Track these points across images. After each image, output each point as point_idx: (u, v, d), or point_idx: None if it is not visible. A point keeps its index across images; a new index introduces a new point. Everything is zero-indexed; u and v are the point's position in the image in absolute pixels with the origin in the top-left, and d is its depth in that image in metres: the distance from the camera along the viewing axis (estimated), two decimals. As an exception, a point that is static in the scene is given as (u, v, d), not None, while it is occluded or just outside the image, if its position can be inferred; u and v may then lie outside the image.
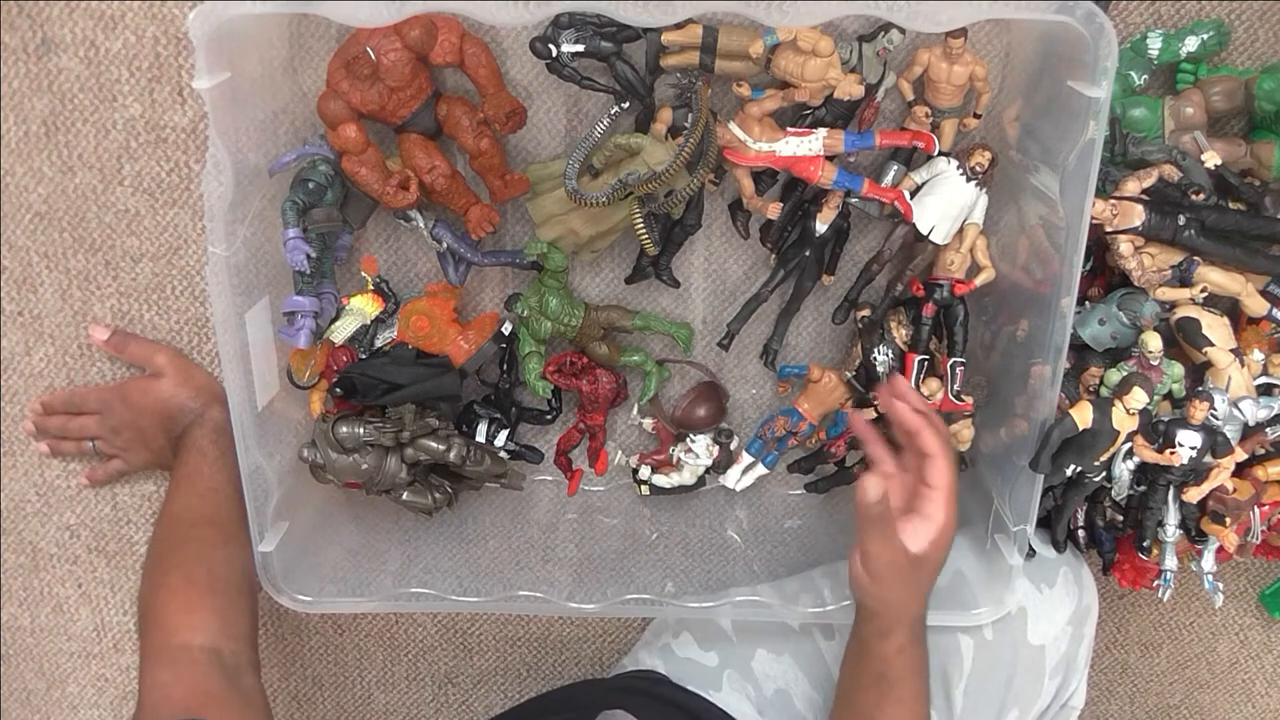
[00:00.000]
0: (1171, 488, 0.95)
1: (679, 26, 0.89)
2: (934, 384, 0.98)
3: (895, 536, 0.85)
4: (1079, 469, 0.93)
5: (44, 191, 1.02)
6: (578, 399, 1.07)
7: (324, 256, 0.98)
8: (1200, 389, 0.93)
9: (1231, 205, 0.93)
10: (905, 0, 0.77)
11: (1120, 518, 1.01)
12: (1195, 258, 0.92)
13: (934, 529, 0.85)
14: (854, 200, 0.98)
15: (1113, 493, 0.99)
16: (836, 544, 1.06)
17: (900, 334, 1.01)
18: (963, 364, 0.98)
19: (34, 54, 0.97)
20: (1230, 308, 0.96)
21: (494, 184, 0.95)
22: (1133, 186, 0.91)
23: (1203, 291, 0.92)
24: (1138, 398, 0.88)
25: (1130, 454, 0.94)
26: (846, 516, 1.10)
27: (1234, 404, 0.92)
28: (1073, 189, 0.82)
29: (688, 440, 1.08)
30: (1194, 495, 0.94)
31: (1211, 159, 0.92)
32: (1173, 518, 0.97)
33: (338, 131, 0.89)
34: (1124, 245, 0.90)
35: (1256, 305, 0.94)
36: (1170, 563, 0.99)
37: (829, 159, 0.93)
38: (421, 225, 0.98)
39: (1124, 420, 0.90)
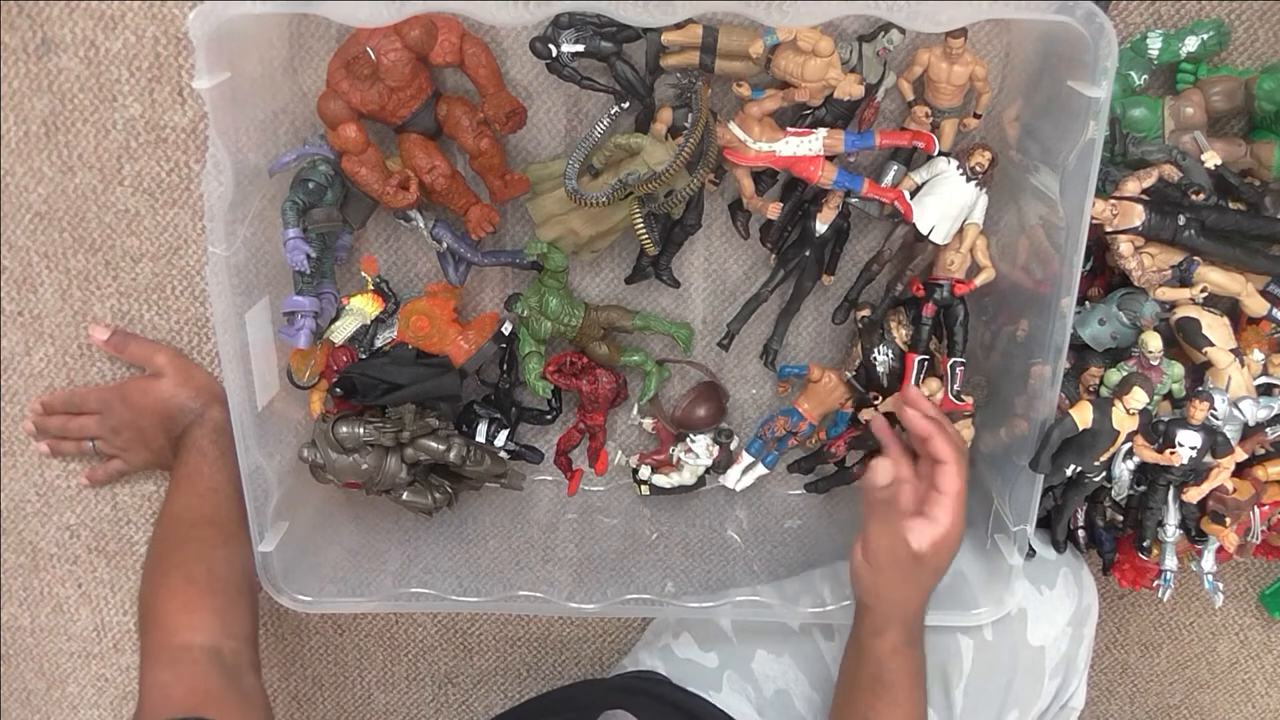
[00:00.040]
0: (1171, 488, 0.95)
1: (679, 26, 0.89)
2: (934, 384, 0.98)
3: (899, 527, 0.86)
4: (1079, 469, 0.93)
5: (44, 191, 1.02)
6: (578, 399, 1.07)
7: (324, 256, 0.98)
8: (1200, 389, 0.92)
9: (1231, 205, 0.93)
10: (905, 0, 0.77)
11: (1120, 518, 1.01)
12: (1195, 258, 0.92)
13: (939, 531, 0.85)
14: (854, 200, 0.98)
15: (1113, 493, 0.99)
16: (836, 544, 1.06)
17: (900, 334, 1.01)
18: (963, 364, 0.98)
19: (34, 54, 0.97)
20: (1230, 308, 0.96)
21: (494, 184, 0.95)
22: (1133, 186, 0.91)
23: (1203, 291, 0.92)
24: (1138, 398, 0.88)
25: (1130, 454, 0.94)
26: (846, 516, 1.10)
27: (1234, 404, 0.92)
28: (1073, 189, 0.82)
29: (688, 440, 1.08)
30: (1194, 495, 0.94)
31: (1211, 159, 0.92)
32: (1173, 518, 0.97)
33: (338, 131, 0.89)
34: (1124, 245, 0.90)
35: (1256, 305, 0.94)
36: (1170, 563, 0.99)
37: (829, 159, 0.93)
38: (421, 225, 0.98)
39: (1124, 420, 0.90)
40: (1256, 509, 0.97)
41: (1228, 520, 0.97)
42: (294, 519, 0.98)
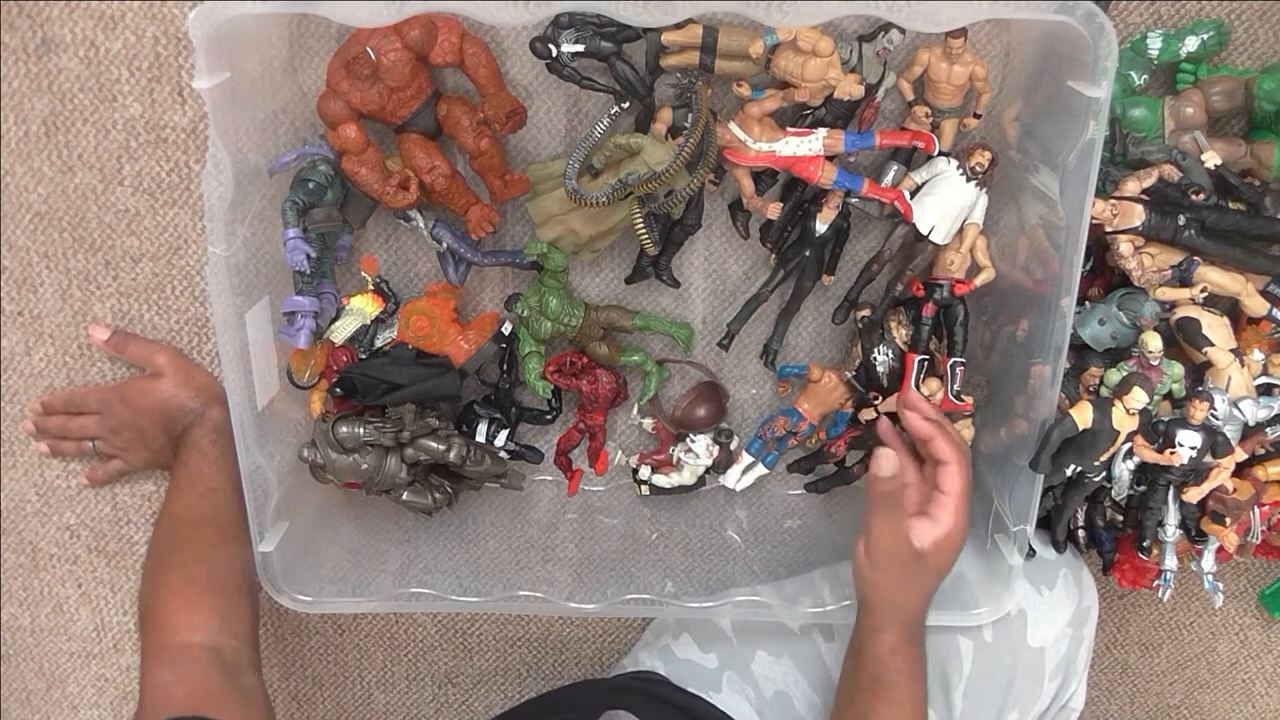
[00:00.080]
0: (1171, 488, 0.95)
1: (679, 26, 0.89)
2: (934, 384, 0.98)
3: (901, 522, 0.86)
4: (1079, 469, 0.93)
5: (44, 191, 1.02)
6: (578, 399, 1.07)
7: (324, 256, 0.98)
8: (1200, 389, 0.92)
9: (1231, 205, 0.93)
10: (905, 0, 0.77)
11: (1120, 518, 1.01)
12: (1195, 258, 0.92)
13: (941, 531, 0.86)
14: (854, 200, 0.98)
15: (1113, 493, 0.99)
16: (836, 544, 1.06)
17: (900, 334, 1.01)
18: (963, 364, 0.98)
19: (34, 54, 0.97)
20: (1230, 308, 0.96)
21: (494, 184, 0.95)
22: (1133, 186, 0.91)
23: (1203, 291, 0.92)
24: (1138, 398, 0.88)
25: (1130, 454, 0.94)
26: (846, 516, 1.10)
27: (1234, 404, 0.92)
28: (1073, 189, 0.82)
29: (688, 440, 1.08)
30: (1194, 495, 0.94)
31: (1211, 159, 0.92)
32: (1173, 518, 0.97)
33: (338, 131, 0.89)
34: (1124, 245, 0.90)
35: (1256, 305, 0.94)
36: (1170, 563, 0.99)
37: (829, 159, 0.93)
38: (421, 225, 0.98)
39: (1124, 420, 0.90)
40: (1256, 509, 0.97)
41: (1228, 520, 0.97)
42: (294, 519, 0.98)
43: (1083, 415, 0.89)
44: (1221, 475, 0.93)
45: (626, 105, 0.94)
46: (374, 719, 1.29)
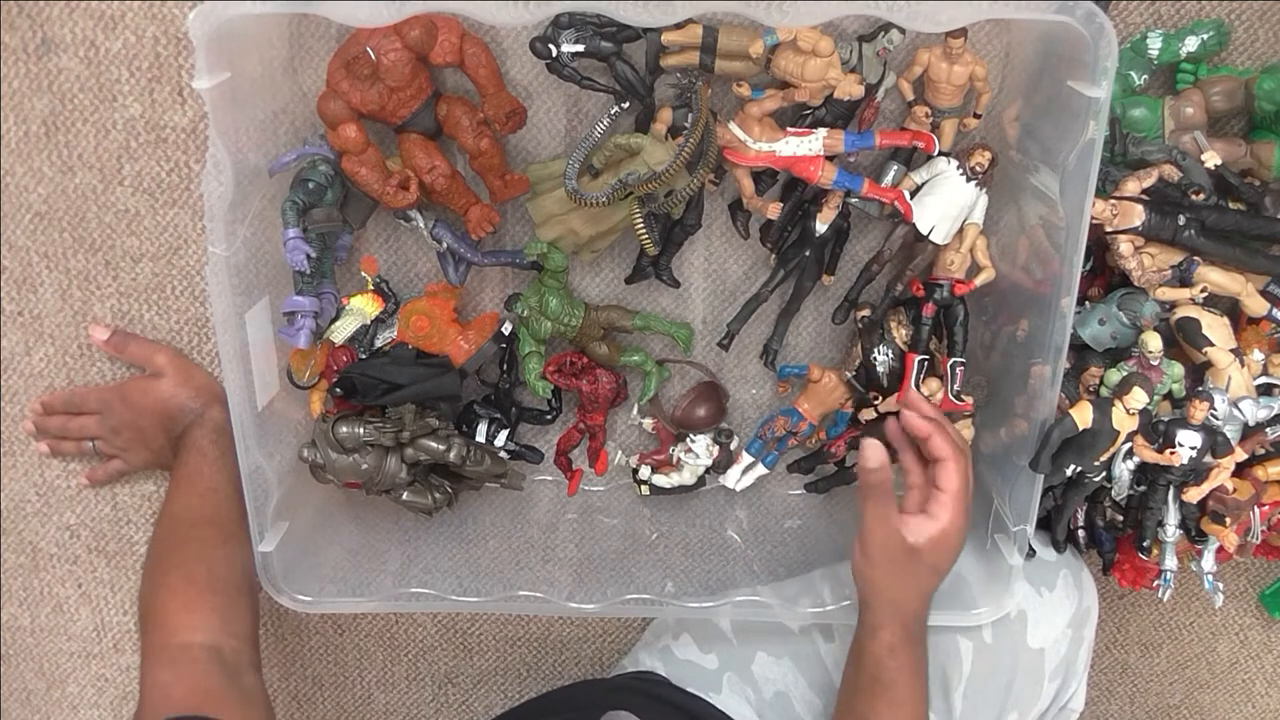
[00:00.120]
0: (1171, 488, 0.95)
1: (679, 26, 0.89)
2: (934, 384, 0.98)
3: (892, 515, 0.86)
4: (1079, 469, 0.93)
5: (44, 191, 1.02)
6: (578, 399, 1.07)
7: (324, 256, 0.98)
8: (1200, 389, 0.92)
9: (1231, 205, 0.93)
10: (905, 0, 0.77)
11: (1120, 518, 1.01)
12: (1195, 258, 0.92)
13: (936, 527, 0.86)
14: (854, 200, 0.98)
15: (1113, 493, 0.99)
16: (836, 544, 1.06)
17: (900, 334, 1.01)
18: (963, 364, 0.98)
19: (34, 54, 0.97)
20: (1230, 308, 0.96)
21: (494, 184, 0.95)
22: (1133, 186, 0.91)
23: (1203, 291, 0.92)
24: (1138, 398, 0.88)
25: (1130, 454, 0.94)
26: (846, 516, 1.10)
27: (1234, 404, 0.92)
28: (1073, 189, 0.82)
29: (688, 440, 1.08)
30: (1194, 495, 0.94)
31: (1211, 159, 0.92)
32: (1173, 518, 0.97)
33: (338, 131, 0.89)
34: (1124, 245, 0.90)
35: (1256, 305, 0.94)
36: (1170, 563, 0.99)
37: (829, 159, 0.93)
38: (421, 225, 0.98)
39: (1124, 420, 0.90)
40: (1256, 509, 0.97)
41: (1228, 520, 0.97)
42: (294, 519, 0.98)
43: (1083, 415, 0.89)
44: (1221, 475, 0.93)
45: (626, 105, 0.94)
46: (374, 719, 1.29)
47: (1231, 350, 0.92)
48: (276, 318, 0.94)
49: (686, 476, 1.08)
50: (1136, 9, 0.95)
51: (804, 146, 0.92)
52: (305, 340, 0.94)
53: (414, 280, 1.05)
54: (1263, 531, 0.99)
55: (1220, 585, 1.03)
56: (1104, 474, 0.96)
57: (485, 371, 1.06)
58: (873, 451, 0.87)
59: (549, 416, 1.09)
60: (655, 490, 1.09)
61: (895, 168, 0.97)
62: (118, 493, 1.15)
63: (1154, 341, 0.91)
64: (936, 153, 0.94)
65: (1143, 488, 0.97)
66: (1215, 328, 0.93)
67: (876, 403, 1.01)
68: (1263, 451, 0.97)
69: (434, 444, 0.99)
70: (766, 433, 1.07)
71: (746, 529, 1.10)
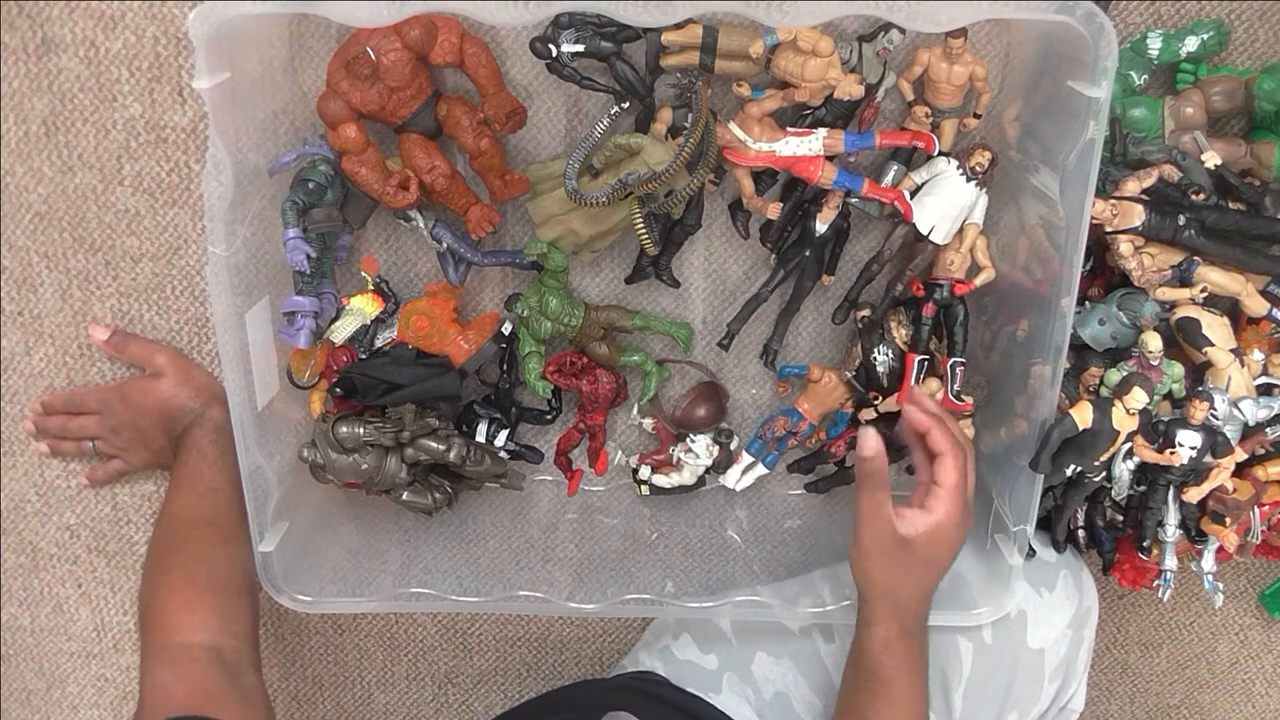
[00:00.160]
0: (1171, 488, 0.95)
1: (679, 26, 0.89)
2: (934, 384, 0.98)
3: (886, 506, 0.86)
4: (1079, 469, 0.93)
5: (44, 191, 1.02)
6: (578, 399, 1.07)
7: (324, 256, 0.98)
8: (1200, 389, 0.92)
9: (1231, 205, 0.93)
10: (905, 0, 0.77)
11: (1120, 518, 1.01)
12: (1195, 258, 0.92)
13: (930, 521, 0.85)
14: (854, 200, 0.98)
15: (1113, 493, 0.99)
16: (836, 544, 1.06)
17: (900, 334, 1.01)
18: (963, 364, 0.98)
19: (34, 54, 0.97)
20: (1230, 308, 0.96)
21: (494, 184, 0.95)
22: (1133, 186, 0.91)
23: (1203, 291, 0.92)
24: (1138, 398, 0.88)
25: (1130, 454, 0.94)
26: (846, 516, 1.09)
27: (1234, 404, 0.92)
28: (1073, 189, 0.82)
29: (688, 440, 1.08)
30: (1194, 495, 0.94)
31: (1211, 159, 0.92)
32: (1173, 518, 0.97)
33: (338, 131, 0.89)
34: (1124, 245, 0.90)
35: (1256, 305, 0.94)
36: (1170, 563, 0.99)
37: (829, 159, 0.93)
38: (421, 225, 0.98)
39: (1124, 420, 0.90)
40: (1256, 509, 0.97)
41: (1228, 520, 0.97)
42: (294, 519, 0.98)
43: (1083, 415, 0.89)
44: (1221, 475, 0.93)
45: (626, 105, 0.94)
46: (374, 719, 1.29)
47: (1231, 350, 0.92)
48: (276, 318, 0.94)
49: (686, 476, 1.08)
50: (1136, 9, 0.95)
51: (804, 146, 0.92)
52: (305, 340, 0.94)
53: (414, 280, 1.05)
54: (1263, 531, 0.99)
55: (1220, 585, 1.03)
56: (1104, 474, 0.96)
57: (485, 371, 1.06)
58: (868, 440, 0.87)
59: (549, 416, 1.09)
60: (655, 490, 1.09)
61: (895, 168, 0.97)
62: (118, 493, 1.15)
63: (1154, 341, 0.91)
64: (936, 153, 0.94)
65: (1143, 488, 0.97)
66: (1215, 328, 0.93)
67: (876, 403, 1.01)
68: (1263, 451, 0.97)
69: (434, 444, 0.99)
70: (766, 433, 1.07)
71: (746, 529, 1.10)
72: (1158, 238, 0.91)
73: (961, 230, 0.95)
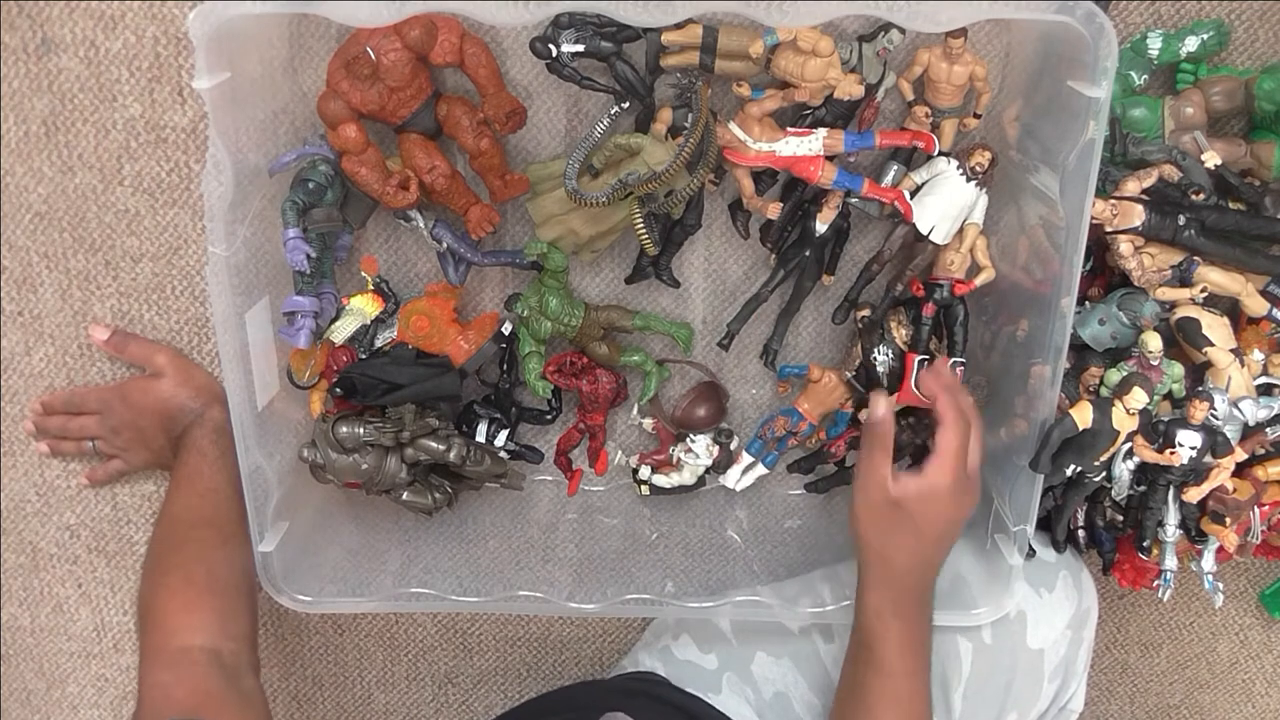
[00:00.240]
0: (1171, 488, 0.95)
1: (679, 26, 0.89)
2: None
3: (883, 467, 0.88)
4: (1079, 469, 0.93)
5: (44, 191, 1.02)
6: (578, 399, 1.07)
7: (324, 256, 0.98)
8: (1200, 389, 0.92)
9: (1231, 205, 0.93)
10: (905, 0, 0.77)
11: (1120, 518, 1.01)
12: (1195, 258, 0.92)
13: (922, 484, 0.86)
14: (854, 200, 0.98)
15: (1113, 493, 0.99)
16: (836, 544, 1.06)
17: (900, 334, 1.01)
18: (963, 364, 0.98)
19: (34, 54, 0.97)
20: (1230, 308, 0.96)
21: (494, 184, 0.95)
22: (1133, 186, 0.91)
23: (1203, 291, 0.92)
24: (1138, 398, 0.88)
25: (1130, 454, 0.94)
26: (846, 517, 1.10)
27: (1234, 404, 0.92)
28: (1073, 189, 0.82)
29: (688, 440, 1.08)
30: (1194, 495, 0.94)
31: (1211, 159, 0.92)
32: (1173, 518, 0.97)
33: (338, 131, 0.89)
34: (1124, 245, 0.90)
35: (1256, 305, 0.94)
36: (1170, 563, 0.99)
37: (829, 159, 0.93)
38: (421, 225, 0.98)
39: (1124, 420, 0.90)
40: (1256, 509, 0.97)
41: (1228, 520, 0.97)
42: (294, 519, 0.98)
43: (1083, 415, 0.89)
44: (1221, 475, 0.93)
45: (626, 105, 0.94)
46: (374, 719, 1.29)
47: (1231, 350, 0.92)
48: (276, 318, 0.94)
49: (686, 476, 1.08)
50: (1136, 9, 0.95)
51: (804, 146, 0.92)
52: (305, 340, 0.94)
53: (414, 280, 1.05)
54: (1263, 531, 0.99)
55: (1220, 585, 1.03)
56: (1104, 474, 0.96)
57: (485, 371, 1.06)
58: (879, 404, 0.90)
59: (549, 416, 1.09)
60: (655, 490, 1.09)
61: (895, 168, 0.97)
62: (118, 493, 1.15)
63: (1154, 341, 0.91)
64: (936, 153, 0.94)
65: (1143, 488, 0.97)
66: (1215, 328, 0.93)
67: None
68: (1263, 451, 0.97)
69: (434, 444, 0.99)
70: (766, 433, 1.07)
71: (746, 529, 1.10)
72: (1158, 238, 0.91)
73: (961, 230, 0.95)
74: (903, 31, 0.90)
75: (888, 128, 0.96)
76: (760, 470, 1.10)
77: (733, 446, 1.10)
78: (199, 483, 0.99)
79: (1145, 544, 0.99)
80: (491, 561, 1.05)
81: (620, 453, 1.12)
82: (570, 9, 0.84)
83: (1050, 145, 0.85)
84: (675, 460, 1.09)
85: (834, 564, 1.05)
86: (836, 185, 0.94)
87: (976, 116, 0.94)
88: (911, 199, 0.94)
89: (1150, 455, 0.91)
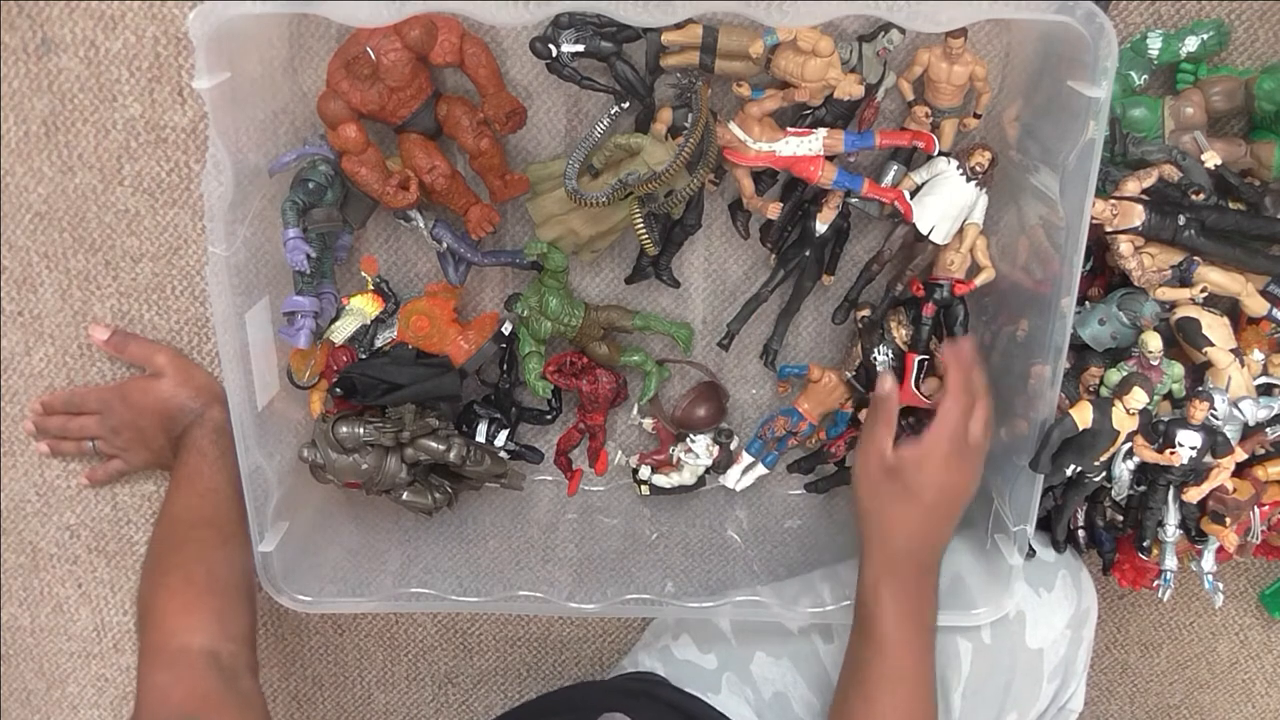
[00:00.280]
0: (1171, 488, 0.95)
1: (679, 26, 0.89)
2: (934, 384, 0.98)
3: (884, 438, 0.90)
4: (1079, 469, 0.93)
5: (44, 191, 1.02)
6: (578, 399, 1.07)
7: (324, 256, 0.98)
8: (1200, 389, 0.92)
9: (1231, 205, 0.93)
10: (905, 0, 0.77)
11: (1120, 518, 1.01)
12: (1195, 258, 0.92)
13: (919, 450, 0.88)
14: (854, 200, 0.98)
15: (1113, 493, 0.99)
16: (836, 544, 1.06)
17: (900, 334, 1.01)
18: (963, 364, 0.98)
19: (34, 54, 0.97)
20: (1230, 308, 0.96)
21: (494, 184, 0.95)
22: (1133, 186, 0.91)
23: (1203, 291, 0.92)
24: (1138, 398, 0.88)
25: (1130, 454, 0.94)
26: (846, 516, 1.10)
27: (1234, 404, 0.92)
28: (1073, 189, 0.82)
29: (688, 440, 1.08)
30: (1194, 495, 0.94)
31: (1211, 159, 0.92)
32: (1173, 518, 0.97)
33: (338, 131, 0.89)
34: (1124, 245, 0.90)
35: (1256, 305, 0.94)
36: (1170, 563, 0.99)
37: (829, 159, 0.93)
38: (421, 225, 0.98)
39: (1124, 420, 0.90)
40: (1256, 509, 0.97)
41: (1228, 520, 0.97)
42: (294, 519, 0.98)
43: (1083, 415, 0.89)
44: (1221, 475, 0.93)
45: (626, 105, 0.94)
46: (374, 719, 1.29)
47: (1231, 350, 0.92)
48: (276, 318, 0.94)
49: (686, 476, 1.08)
50: (1136, 9, 0.95)
51: (804, 146, 0.92)
52: (305, 340, 0.94)
53: (414, 280, 1.05)
54: (1263, 531, 0.99)
55: (1220, 585, 1.03)
56: (1104, 474, 0.96)
57: (485, 371, 1.06)
58: (886, 379, 0.93)
59: (549, 416, 1.09)
60: (655, 490, 1.09)
61: (895, 168, 0.97)
62: (118, 493, 1.15)
63: (1154, 341, 0.91)
64: (936, 153, 0.94)
65: (1143, 488, 0.97)
66: (1215, 328, 0.93)
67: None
68: (1263, 451, 0.97)
69: (434, 444, 0.99)
70: (766, 433, 1.07)
71: (746, 529, 1.10)
72: (1158, 238, 0.91)
73: (961, 230, 0.95)
74: (903, 31, 0.90)
75: (888, 128, 0.96)
76: (760, 470, 1.10)
77: (733, 446, 1.10)
78: (199, 483, 0.99)
79: (1145, 544, 0.99)
80: (491, 561, 1.05)
81: (620, 453, 1.12)
82: (570, 9, 0.84)
83: (1050, 145, 0.85)
84: (675, 460, 1.09)
85: (834, 564, 1.05)
86: (836, 185, 0.94)
87: (976, 116, 0.94)
88: (911, 199, 0.94)
89: (1150, 455, 0.91)
